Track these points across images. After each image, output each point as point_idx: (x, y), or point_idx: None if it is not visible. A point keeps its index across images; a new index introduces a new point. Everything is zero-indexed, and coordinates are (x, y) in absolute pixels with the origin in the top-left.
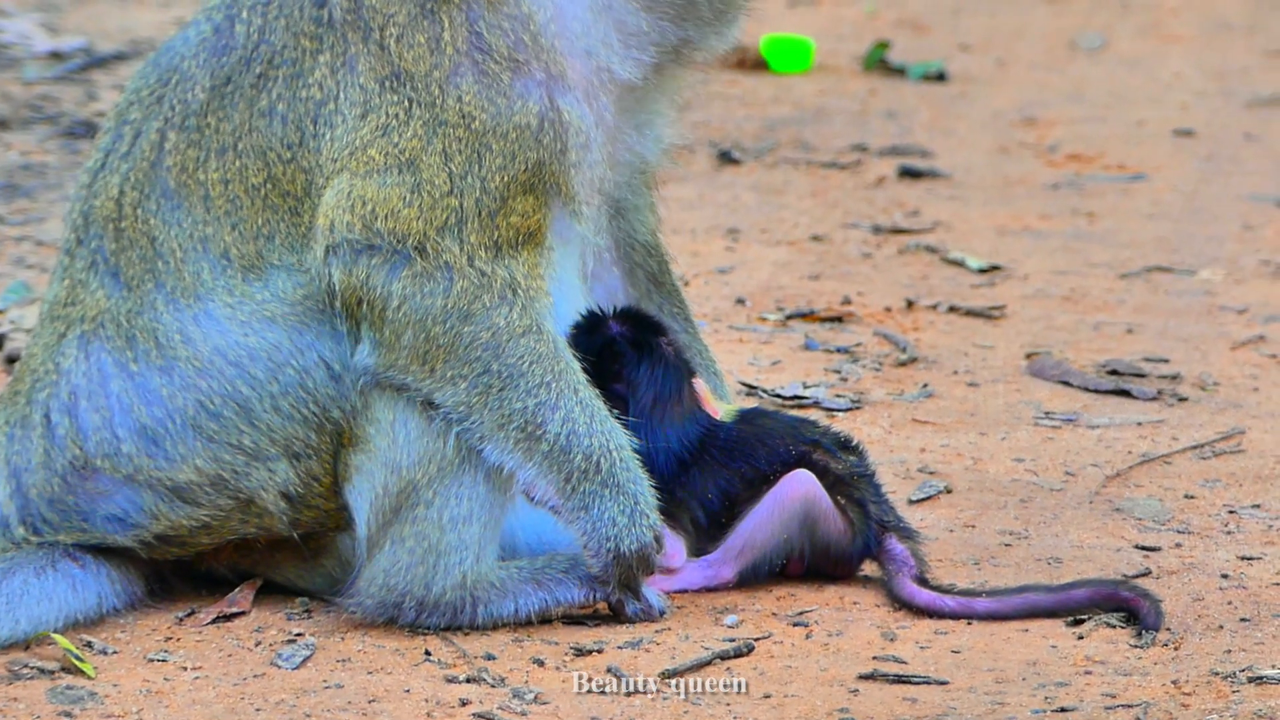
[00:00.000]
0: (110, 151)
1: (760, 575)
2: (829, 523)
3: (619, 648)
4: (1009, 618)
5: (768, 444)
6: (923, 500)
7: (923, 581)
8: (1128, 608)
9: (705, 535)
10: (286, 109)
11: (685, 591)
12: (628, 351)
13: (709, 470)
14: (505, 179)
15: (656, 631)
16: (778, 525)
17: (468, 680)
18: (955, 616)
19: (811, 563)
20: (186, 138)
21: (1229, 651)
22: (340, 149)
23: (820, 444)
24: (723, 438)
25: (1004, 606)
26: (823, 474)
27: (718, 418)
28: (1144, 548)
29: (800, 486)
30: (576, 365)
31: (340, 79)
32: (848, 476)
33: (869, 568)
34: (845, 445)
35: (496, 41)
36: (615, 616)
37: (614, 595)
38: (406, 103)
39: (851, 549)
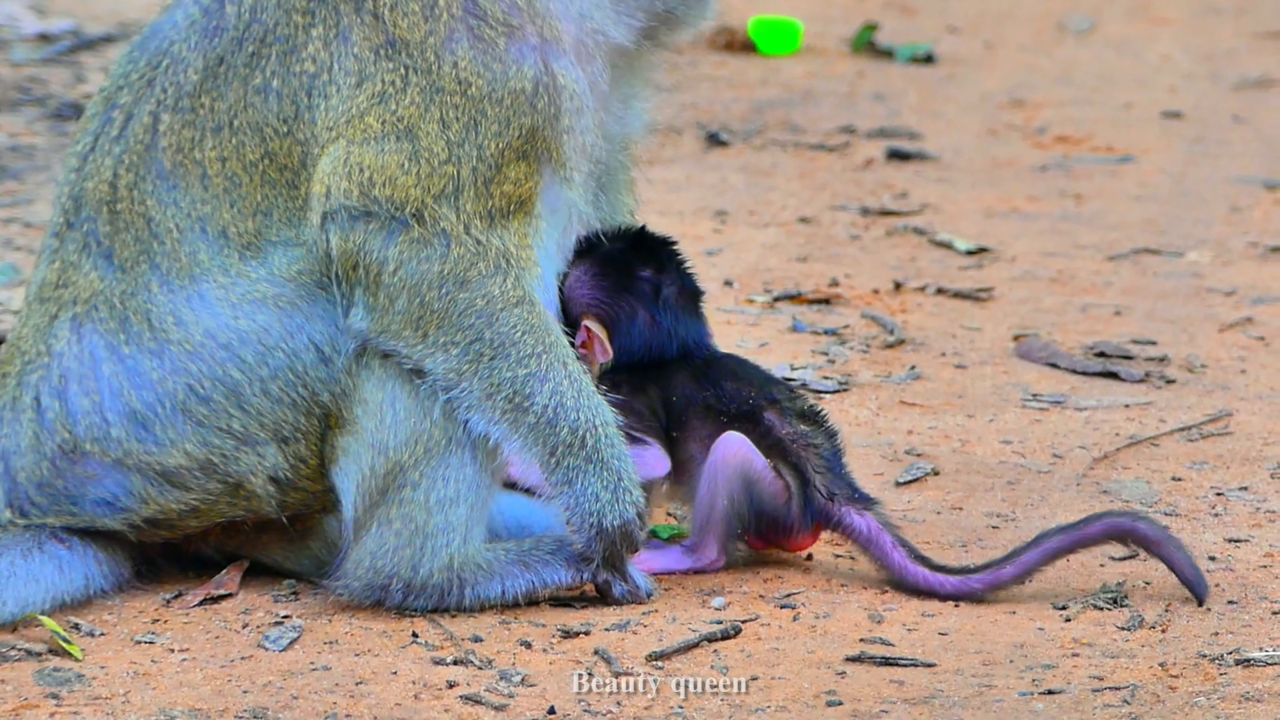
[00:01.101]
0: (100, 135)
1: (736, 541)
2: (762, 485)
3: (606, 630)
4: (1035, 571)
5: (736, 381)
6: (910, 482)
7: (940, 567)
8: (1141, 541)
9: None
10: (281, 84)
11: (672, 573)
12: (660, 245)
13: (691, 380)
14: (501, 145)
15: (644, 613)
16: (723, 490)
17: (455, 662)
18: (985, 589)
19: (755, 529)
20: (181, 119)
21: (1216, 634)
22: (336, 118)
23: (779, 404)
24: (713, 356)
25: (1027, 564)
26: (765, 434)
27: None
28: None
29: (732, 448)
30: (565, 340)
31: (334, 50)
32: (788, 441)
33: (863, 555)
34: (806, 415)
35: (491, 6)
36: (602, 598)
37: (600, 575)
38: (403, 70)
39: (788, 513)
